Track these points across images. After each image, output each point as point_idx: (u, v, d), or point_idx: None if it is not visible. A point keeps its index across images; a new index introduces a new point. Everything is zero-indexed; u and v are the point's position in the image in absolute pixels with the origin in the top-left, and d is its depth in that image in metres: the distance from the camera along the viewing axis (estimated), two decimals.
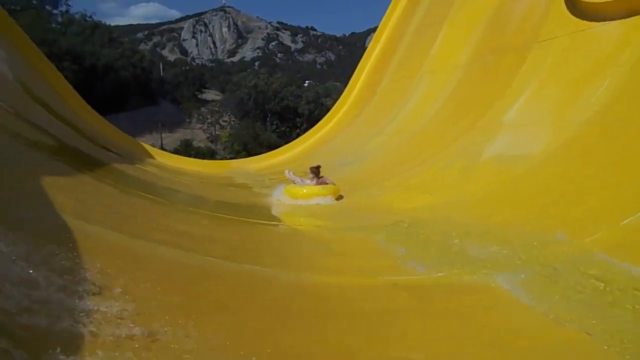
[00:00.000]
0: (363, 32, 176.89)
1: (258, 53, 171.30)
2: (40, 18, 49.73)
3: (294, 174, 8.77)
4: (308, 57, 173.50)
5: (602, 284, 3.13)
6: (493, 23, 10.49)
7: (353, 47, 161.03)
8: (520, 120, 7.61)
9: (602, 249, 3.75)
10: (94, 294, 2.02)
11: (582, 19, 7.90)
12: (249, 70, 79.60)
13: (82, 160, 7.24)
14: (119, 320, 1.84)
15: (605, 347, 2.31)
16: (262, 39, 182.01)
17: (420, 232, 4.81)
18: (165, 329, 1.89)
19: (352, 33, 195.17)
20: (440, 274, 3.60)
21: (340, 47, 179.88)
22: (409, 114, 11.93)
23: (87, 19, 60.64)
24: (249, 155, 27.30)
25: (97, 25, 60.65)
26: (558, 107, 7.21)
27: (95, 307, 1.89)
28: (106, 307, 1.93)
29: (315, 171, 8.25)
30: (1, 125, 5.38)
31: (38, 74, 13.39)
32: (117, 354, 1.58)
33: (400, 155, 9.98)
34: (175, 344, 1.81)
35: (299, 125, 46.51)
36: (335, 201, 7.88)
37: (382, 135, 12.23)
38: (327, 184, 8.17)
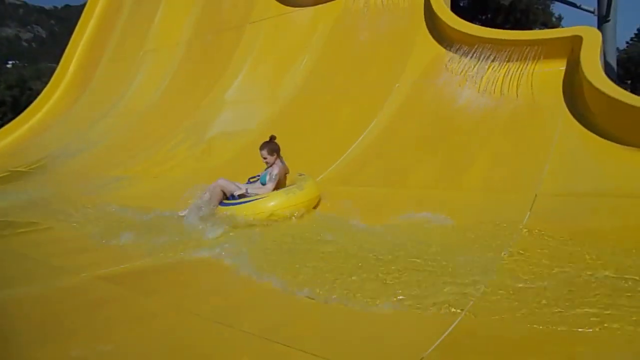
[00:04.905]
0: (80, 5, 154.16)
1: None
2: None
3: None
4: (8, 31, 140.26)
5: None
6: (209, 2, 10.60)
7: (70, 23, 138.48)
8: (239, 97, 8.01)
9: None
10: None
11: (282, 3, 8.81)
12: None
13: None
14: None
15: None
16: None
17: (137, 220, 4.48)
18: None
19: (66, 5, 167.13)
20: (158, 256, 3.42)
21: (53, 21, 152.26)
22: (134, 95, 11.02)
23: None
24: None
25: None
26: (269, 84, 7.90)
27: None
28: None
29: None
30: None
31: None
32: None
33: (127, 139, 9.13)
34: None
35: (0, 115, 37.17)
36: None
37: (107, 119, 10.95)
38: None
